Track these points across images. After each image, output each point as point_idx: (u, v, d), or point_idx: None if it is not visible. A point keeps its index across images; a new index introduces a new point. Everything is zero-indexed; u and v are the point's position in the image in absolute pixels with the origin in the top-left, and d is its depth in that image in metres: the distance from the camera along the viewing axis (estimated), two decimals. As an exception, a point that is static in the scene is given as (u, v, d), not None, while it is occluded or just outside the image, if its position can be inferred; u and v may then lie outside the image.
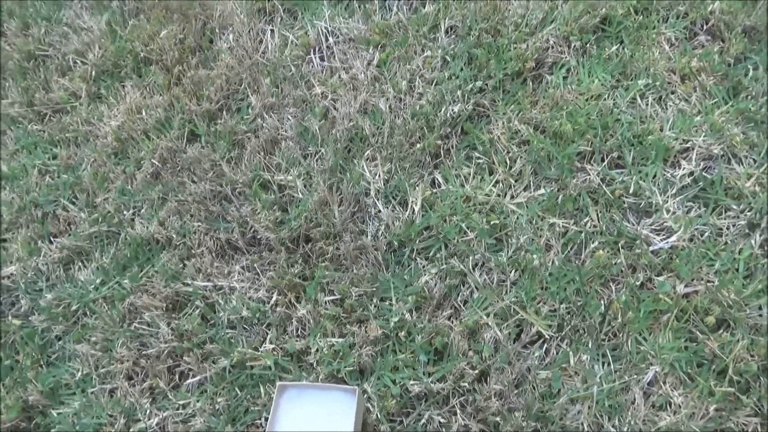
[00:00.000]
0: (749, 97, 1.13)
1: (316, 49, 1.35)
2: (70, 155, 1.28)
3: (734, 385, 0.90)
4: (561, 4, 1.30)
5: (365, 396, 0.95)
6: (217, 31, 1.41)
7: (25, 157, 1.30)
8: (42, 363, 1.05)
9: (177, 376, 1.01)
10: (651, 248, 1.02)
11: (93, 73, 1.39)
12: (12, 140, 1.34)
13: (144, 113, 1.30)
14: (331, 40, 1.35)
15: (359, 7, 1.39)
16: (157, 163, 1.23)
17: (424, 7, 1.35)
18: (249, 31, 1.38)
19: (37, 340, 1.06)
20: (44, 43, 1.46)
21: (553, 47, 1.25)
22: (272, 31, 1.39)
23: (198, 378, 1.00)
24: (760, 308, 0.95)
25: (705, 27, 1.23)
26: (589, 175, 1.11)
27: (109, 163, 1.25)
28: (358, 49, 1.33)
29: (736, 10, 1.21)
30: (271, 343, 1.01)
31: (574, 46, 1.25)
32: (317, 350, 0.99)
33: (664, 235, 1.03)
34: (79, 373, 1.03)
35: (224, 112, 1.29)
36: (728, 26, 1.21)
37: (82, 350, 1.03)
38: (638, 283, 1.00)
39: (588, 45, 1.25)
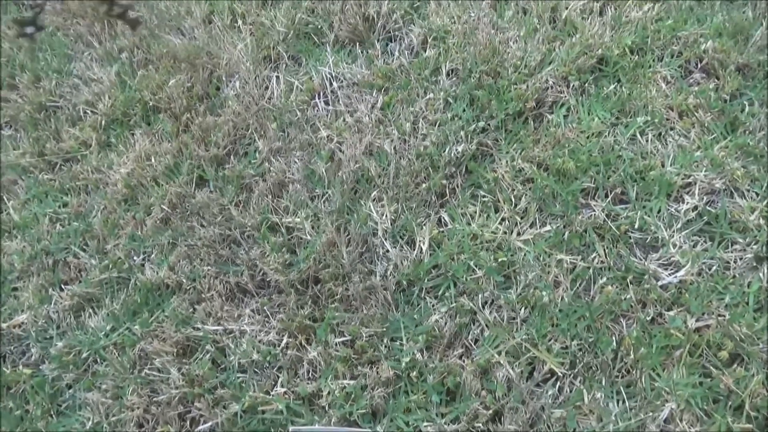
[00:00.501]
0: (747, 132, 1.15)
1: (321, 93, 1.39)
2: (80, 203, 1.30)
3: (752, 421, 0.89)
4: (558, 45, 1.34)
5: (379, 439, 0.94)
6: (223, 78, 1.45)
7: (36, 205, 1.32)
8: (52, 413, 1.04)
9: (188, 423, 1.00)
10: (660, 283, 1.03)
11: (103, 122, 1.42)
12: (23, 190, 1.36)
13: (153, 160, 1.32)
14: (335, 84, 1.39)
15: (362, 52, 1.43)
16: (166, 208, 1.24)
17: (425, 52, 1.39)
18: (255, 78, 1.42)
19: (47, 389, 1.06)
20: (55, 94, 1.50)
21: (552, 87, 1.29)
22: (278, 77, 1.43)
23: (209, 424, 0.99)
24: (772, 341, 0.95)
25: (699, 65, 1.27)
26: (594, 211, 1.12)
27: (119, 210, 1.27)
28: (361, 93, 1.37)
29: (729, 49, 1.25)
30: (282, 386, 1.01)
31: (573, 85, 1.28)
32: (329, 393, 0.99)
33: (672, 269, 1.04)
34: (90, 423, 1.02)
35: (232, 157, 1.31)
36: (722, 64, 1.24)
37: (92, 398, 1.03)
38: (649, 318, 1.00)
39: (586, 84, 1.28)
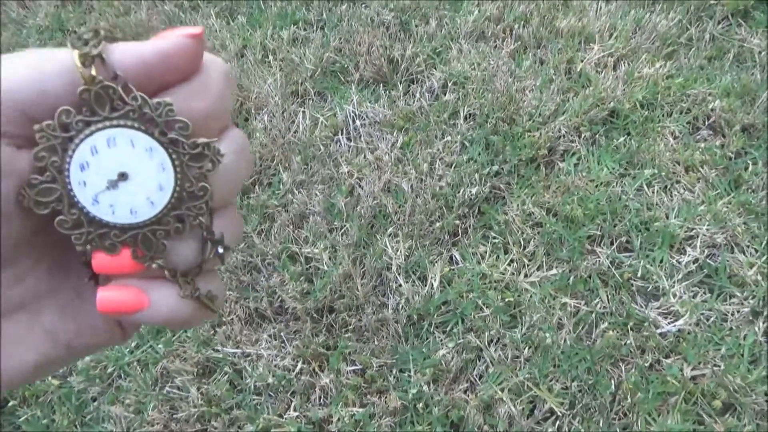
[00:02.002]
0: (749, 189, 1.21)
1: (344, 130, 1.46)
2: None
3: (741, 469, 0.93)
4: (572, 97, 1.41)
5: (383, 466, 0.99)
6: (252, 111, 1.53)
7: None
8: (77, 423, 1.10)
9: (203, 440, 1.06)
10: (659, 331, 1.07)
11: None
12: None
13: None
14: (358, 122, 1.46)
15: (384, 92, 1.51)
16: (193, 232, 1.31)
17: (445, 95, 1.46)
18: (282, 112, 1.50)
19: (73, 400, 1.12)
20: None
21: (564, 136, 1.35)
22: (303, 112, 1.51)
23: (223, 442, 1.04)
24: (766, 394, 0.99)
25: (707, 123, 1.33)
26: (599, 257, 1.17)
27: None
28: (382, 131, 1.44)
29: (736, 109, 1.31)
30: (295, 410, 1.06)
31: (585, 136, 1.34)
32: (339, 419, 1.04)
33: (671, 318, 1.09)
34: (111, 434, 1.08)
35: (257, 187, 1.39)
36: (728, 123, 1.30)
37: (116, 412, 1.09)
38: (647, 365, 1.04)
39: (597, 135, 1.34)
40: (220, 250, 0.27)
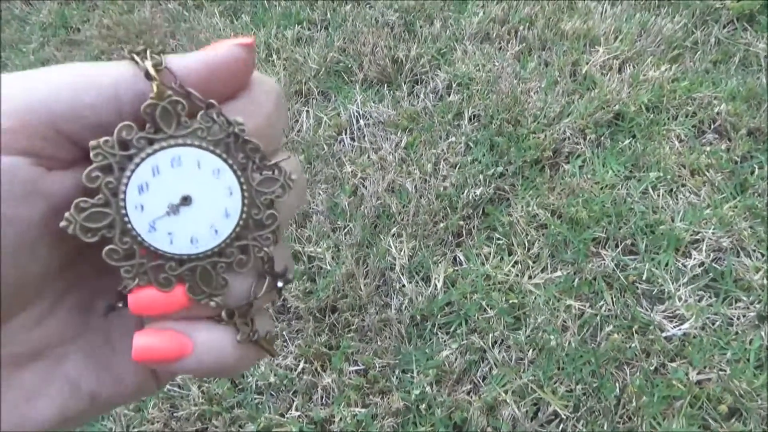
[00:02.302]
0: (755, 194, 1.20)
1: (348, 130, 1.46)
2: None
3: (747, 474, 0.92)
4: (577, 99, 1.40)
5: (386, 468, 0.98)
6: (256, 109, 1.52)
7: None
8: (75, 420, 1.09)
9: (203, 439, 1.05)
10: (664, 334, 1.07)
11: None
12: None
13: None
14: (362, 122, 1.46)
15: (389, 93, 1.51)
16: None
17: (449, 96, 1.46)
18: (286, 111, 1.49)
19: (72, 397, 1.11)
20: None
21: (569, 138, 1.35)
22: (307, 111, 1.50)
23: (224, 442, 1.03)
24: (770, 398, 0.98)
25: (712, 126, 1.32)
26: (604, 260, 1.17)
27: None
28: (386, 131, 1.43)
29: (741, 113, 1.30)
30: (296, 410, 1.05)
31: (590, 138, 1.34)
32: (341, 419, 1.03)
33: (676, 322, 1.08)
34: (110, 432, 1.06)
35: (260, 186, 1.38)
36: (734, 127, 1.30)
37: (116, 409, 1.07)
38: (652, 368, 1.04)
39: (602, 138, 1.34)
40: (280, 284, 0.25)
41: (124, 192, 0.22)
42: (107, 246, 0.22)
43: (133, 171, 0.22)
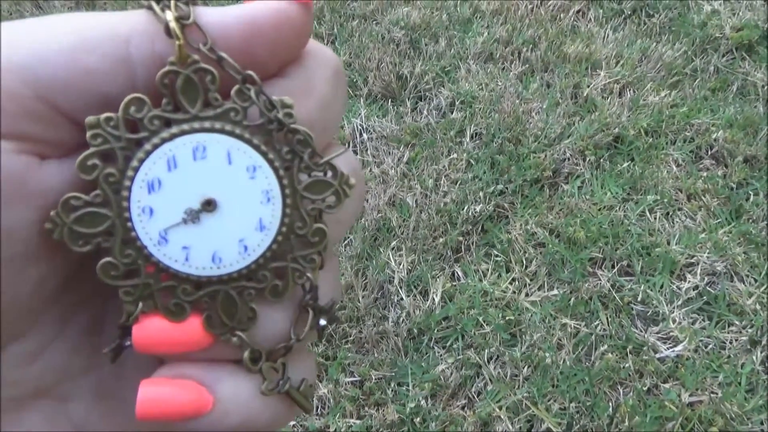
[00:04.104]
0: (750, 220, 1.22)
1: (351, 143, 1.47)
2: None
3: (737, 497, 0.93)
4: (577, 120, 1.43)
5: (378, 480, 0.99)
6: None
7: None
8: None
9: (198, 445, 1.05)
10: (658, 355, 1.08)
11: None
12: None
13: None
14: (365, 136, 1.48)
15: (392, 108, 1.53)
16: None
17: (452, 113, 1.48)
18: (291, 123, 1.51)
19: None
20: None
21: (569, 159, 1.37)
22: (312, 123, 1.52)
23: (218, 449, 1.04)
24: (761, 423, 0.99)
25: (710, 152, 1.35)
26: (600, 280, 1.18)
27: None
28: (389, 146, 1.45)
29: (738, 140, 1.33)
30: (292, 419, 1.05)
31: (589, 159, 1.36)
32: (336, 430, 1.03)
33: (670, 343, 1.10)
34: None
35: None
36: (731, 154, 1.32)
37: None
38: (645, 389, 1.05)
39: (601, 160, 1.36)
40: (323, 322, 0.19)
41: (129, 189, 0.17)
42: (103, 259, 0.17)
43: (142, 161, 0.17)
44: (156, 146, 0.17)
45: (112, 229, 0.17)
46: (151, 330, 0.17)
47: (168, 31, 0.16)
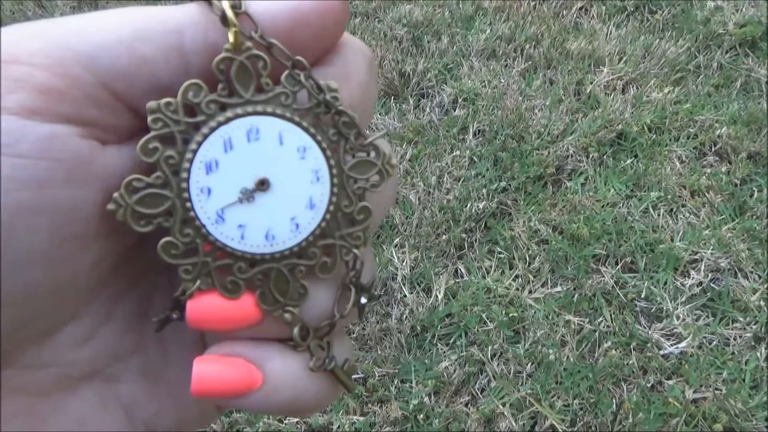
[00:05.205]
0: (754, 216, 1.22)
1: (354, 140, 1.47)
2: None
3: (741, 493, 0.93)
4: (581, 117, 1.43)
5: (382, 476, 0.99)
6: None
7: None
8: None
9: (201, 442, 1.05)
10: (661, 352, 1.08)
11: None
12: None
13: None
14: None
15: (395, 105, 1.53)
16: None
17: (455, 111, 1.48)
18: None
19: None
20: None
21: (572, 156, 1.36)
22: (314, 121, 1.52)
23: (222, 445, 1.04)
24: (766, 419, 0.99)
25: (713, 148, 1.34)
26: (604, 277, 1.18)
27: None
28: (392, 143, 1.45)
29: (742, 136, 1.33)
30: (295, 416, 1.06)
31: (592, 156, 1.36)
32: (339, 427, 1.03)
33: (674, 340, 1.09)
34: None
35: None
36: (735, 150, 1.32)
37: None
38: (649, 385, 1.05)
39: (605, 156, 1.36)
40: (364, 300, 0.20)
41: (188, 170, 0.18)
42: (164, 238, 0.18)
43: (200, 144, 0.17)
44: (213, 129, 0.18)
45: (172, 209, 0.18)
46: (206, 306, 0.18)
47: (224, 19, 0.17)
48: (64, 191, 0.16)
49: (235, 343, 0.19)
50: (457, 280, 1.21)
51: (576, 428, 1.02)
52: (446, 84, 1.54)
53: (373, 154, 0.19)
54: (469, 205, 1.29)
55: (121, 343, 0.20)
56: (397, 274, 1.22)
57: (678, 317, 1.11)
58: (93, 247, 0.17)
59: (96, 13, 0.17)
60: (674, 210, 1.26)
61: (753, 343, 1.07)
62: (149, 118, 0.17)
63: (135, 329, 0.20)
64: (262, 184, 0.18)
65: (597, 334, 1.11)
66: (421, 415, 1.04)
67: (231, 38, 0.17)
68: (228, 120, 0.18)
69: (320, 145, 0.18)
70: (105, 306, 0.19)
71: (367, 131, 0.19)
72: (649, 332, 1.10)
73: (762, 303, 1.11)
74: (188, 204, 0.18)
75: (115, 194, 0.17)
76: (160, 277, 0.20)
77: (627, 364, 1.07)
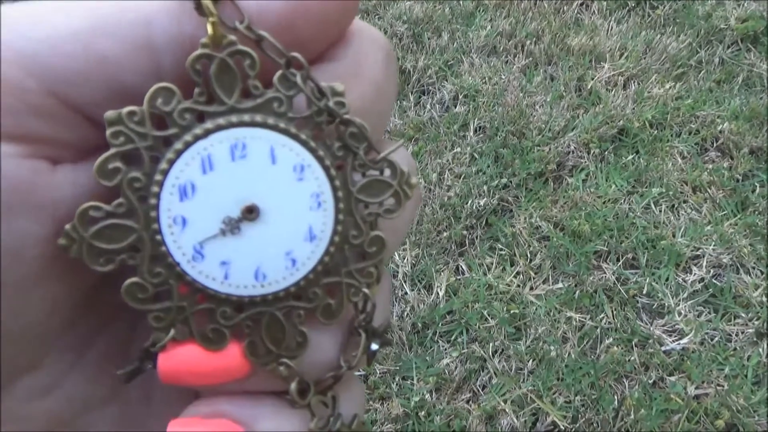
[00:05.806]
0: (756, 212, 1.21)
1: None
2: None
3: (743, 489, 0.93)
4: (582, 113, 1.42)
5: (384, 473, 0.99)
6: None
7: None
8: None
9: (203, 440, 1.05)
10: (663, 348, 1.08)
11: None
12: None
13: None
14: (368, 130, 1.48)
15: (396, 103, 1.52)
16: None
17: (455, 107, 1.48)
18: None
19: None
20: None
21: (573, 152, 1.36)
22: (315, 118, 1.52)
23: (223, 443, 1.04)
24: (768, 415, 0.99)
25: (715, 144, 1.34)
26: (605, 273, 1.18)
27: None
28: (393, 140, 1.45)
29: (744, 132, 1.32)
30: (296, 413, 1.06)
31: (593, 152, 1.35)
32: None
33: (675, 336, 1.09)
34: None
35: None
36: (736, 145, 1.31)
37: None
38: (651, 382, 1.04)
39: (606, 152, 1.35)
40: (375, 347, 0.17)
41: (158, 196, 0.14)
42: (129, 279, 0.15)
43: (172, 163, 0.14)
44: (188, 144, 0.14)
45: (138, 243, 0.14)
46: (182, 359, 0.15)
47: (199, 7, 0.13)
48: (13, 221, 0.13)
49: (220, 400, 0.16)
50: (458, 277, 1.21)
51: (577, 425, 1.02)
52: (447, 81, 1.54)
53: (387, 172, 0.16)
54: (470, 201, 1.29)
55: (94, 391, 0.17)
56: (398, 272, 1.22)
57: (680, 313, 1.11)
58: (47, 290, 0.14)
59: (43, 0, 0.13)
60: (676, 206, 1.26)
61: (755, 339, 1.07)
62: (108, 132, 0.14)
63: (110, 376, 0.16)
64: (250, 212, 0.15)
65: (598, 330, 1.11)
66: (423, 412, 1.04)
67: (209, 31, 0.14)
68: (207, 133, 0.14)
69: (322, 163, 0.15)
70: (71, 351, 0.16)
71: (385, 137, 0.16)
72: (651, 328, 1.10)
73: (764, 299, 1.10)
74: (158, 237, 0.14)
75: (67, 226, 0.14)
76: (140, 317, 0.16)
77: (628, 360, 1.07)
